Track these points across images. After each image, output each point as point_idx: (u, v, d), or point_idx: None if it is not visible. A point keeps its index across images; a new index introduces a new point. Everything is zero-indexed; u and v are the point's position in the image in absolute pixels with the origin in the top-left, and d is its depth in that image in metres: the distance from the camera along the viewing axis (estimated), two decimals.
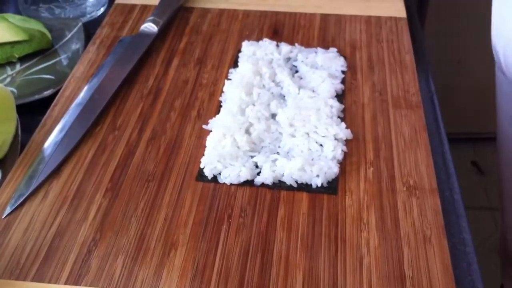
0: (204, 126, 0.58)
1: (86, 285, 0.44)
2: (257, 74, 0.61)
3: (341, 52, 0.67)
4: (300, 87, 0.60)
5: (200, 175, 0.53)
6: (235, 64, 0.65)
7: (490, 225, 1.46)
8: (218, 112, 0.59)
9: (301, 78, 0.62)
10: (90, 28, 0.73)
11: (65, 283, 0.45)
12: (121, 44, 0.68)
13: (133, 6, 0.75)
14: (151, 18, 0.70)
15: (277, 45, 0.66)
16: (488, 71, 1.47)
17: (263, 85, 0.61)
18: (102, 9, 0.78)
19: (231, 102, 0.59)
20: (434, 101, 0.63)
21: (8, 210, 0.50)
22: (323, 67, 0.64)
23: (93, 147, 0.56)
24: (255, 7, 0.74)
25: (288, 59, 0.65)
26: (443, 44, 1.43)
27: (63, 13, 0.77)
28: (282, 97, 0.60)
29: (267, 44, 0.66)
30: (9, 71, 0.67)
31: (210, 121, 0.58)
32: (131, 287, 0.44)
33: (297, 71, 0.64)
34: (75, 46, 0.70)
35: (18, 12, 0.76)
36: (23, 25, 0.69)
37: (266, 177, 0.52)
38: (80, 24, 0.73)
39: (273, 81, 0.61)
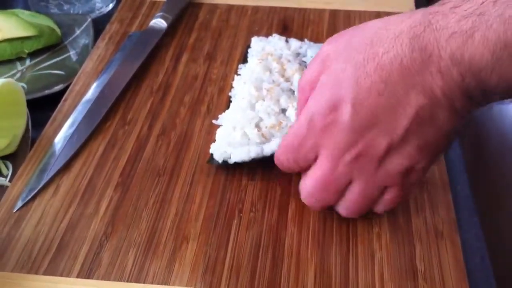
0: (214, 121, 0.58)
1: (97, 279, 0.45)
2: (267, 70, 0.61)
3: None
4: None
5: (211, 159, 0.53)
6: (244, 60, 0.65)
7: None
8: (227, 107, 0.59)
9: None
10: (99, 24, 0.73)
11: (77, 277, 0.45)
12: (130, 40, 0.68)
13: (142, 2, 0.75)
14: (160, 13, 0.70)
15: (286, 41, 0.66)
16: None
17: (273, 81, 0.60)
18: (111, 5, 0.78)
19: (241, 97, 0.58)
20: None
21: (19, 204, 0.50)
22: None
23: (103, 142, 0.56)
24: (264, 3, 0.74)
25: (298, 55, 0.65)
26: None
27: (72, 9, 0.77)
28: (292, 92, 0.60)
29: (276, 40, 0.66)
30: (19, 66, 0.67)
31: (219, 116, 0.58)
32: (142, 281, 0.44)
33: (306, 67, 0.63)
34: (84, 41, 0.70)
35: (27, 7, 0.76)
36: (33, 21, 0.69)
37: (276, 144, 0.51)
38: (89, 20, 0.73)
39: (283, 76, 0.61)
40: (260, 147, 0.52)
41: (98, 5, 0.77)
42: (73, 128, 0.57)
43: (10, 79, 0.56)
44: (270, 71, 0.61)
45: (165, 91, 0.62)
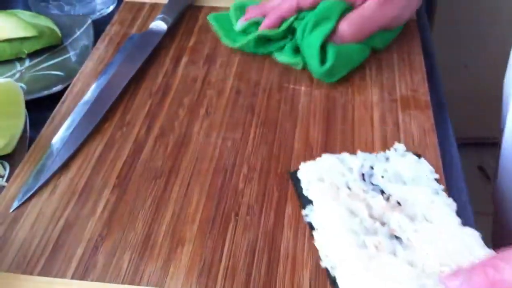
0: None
1: (92, 280, 0.44)
2: (351, 213, 0.47)
3: None
4: (410, 220, 0.46)
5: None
6: (304, 201, 0.49)
7: None
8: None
9: (399, 204, 0.48)
10: (100, 26, 0.73)
11: (72, 278, 0.45)
12: (130, 42, 0.68)
13: (143, 4, 0.75)
14: (160, 16, 0.70)
15: (337, 158, 0.52)
16: (496, 75, 1.47)
17: (365, 228, 0.45)
18: (111, 7, 0.78)
19: (347, 268, 0.44)
20: (442, 103, 0.63)
21: (15, 204, 0.50)
22: (411, 179, 0.50)
23: (101, 143, 0.56)
24: None
25: (362, 175, 0.51)
26: (450, 48, 1.43)
27: (72, 10, 0.77)
28: (398, 240, 0.45)
29: (328, 161, 0.52)
30: (18, 66, 0.67)
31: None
32: (137, 282, 0.44)
33: (382, 192, 0.49)
34: (84, 43, 0.70)
35: (27, 8, 0.76)
36: (33, 21, 0.69)
37: None
38: (89, 21, 0.73)
39: (371, 216, 0.47)
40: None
41: (98, 6, 0.77)
42: (71, 129, 0.57)
43: (9, 79, 0.56)
44: (352, 212, 0.47)
45: (164, 93, 0.62)
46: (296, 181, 0.51)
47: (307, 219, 0.48)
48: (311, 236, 0.47)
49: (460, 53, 1.50)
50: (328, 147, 0.55)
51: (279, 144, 0.56)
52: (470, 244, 0.44)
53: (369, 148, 0.55)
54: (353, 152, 0.54)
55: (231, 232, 0.48)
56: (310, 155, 0.54)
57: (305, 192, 0.50)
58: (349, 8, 0.62)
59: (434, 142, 0.55)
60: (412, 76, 0.63)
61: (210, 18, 0.70)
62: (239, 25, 0.66)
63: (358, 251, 0.43)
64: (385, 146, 0.55)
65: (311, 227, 0.47)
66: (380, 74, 0.64)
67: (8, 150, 0.56)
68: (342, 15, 0.61)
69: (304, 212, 0.49)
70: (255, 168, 0.53)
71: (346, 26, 0.60)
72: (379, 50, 0.65)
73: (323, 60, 0.60)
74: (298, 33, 0.62)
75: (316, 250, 0.46)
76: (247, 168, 0.53)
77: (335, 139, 0.56)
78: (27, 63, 0.68)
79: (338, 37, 0.61)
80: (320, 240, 0.46)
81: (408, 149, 0.54)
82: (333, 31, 0.61)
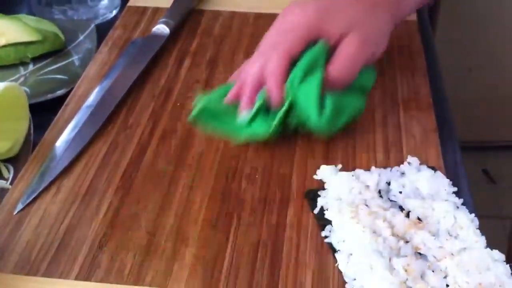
0: None
1: (96, 281, 0.45)
2: (373, 235, 0.45)
3: None
4: (434, 236, 0.46)
5: None
6: (322, 222, 0.48)
7: (500, 233, 1.45)
8: None
9: (420, 220, 0.47)
10: (103, 30, 0.73)
11: (75, 279, 0.45)
12: (133, 46, 0.68)
13: (145, 9, 0.76)
14: (163, 20, 0.71)
15: (353, 175, 0.51)
16: (499, 78, 1.47)
17: (390, 247, 0.45)
18: (114, 11, 0.78)
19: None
20: (445, 105, 0.63)
21: (19, 206, 0.51)
22: (429, 194, 0.50)
23: (104, 145, 0.56)
24: (266, 10, 0.75)
25: (379, 192, 0.50)
26: (454, 51, 1.43)
27: (76, 15, 0.78)
28: (423, 258, 0.45)
29: (346, 180, 0.51)
30: (22, 71, 0.68)
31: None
32: (141, 283, 0.44)
33: (401, 208, 0.49)
34: (87, 47, 0.71)
35: (31, 13, 0.77)
36: (37, 26, 0.70)
37: None
38: (93, 25, 0.73)
39: (393, 235, 0.46)
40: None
41: (102, 11, 0.78)
42: (75, 132, 0.57)
43: (13, 83, 0.57)
44: (375, 231, 0.46)
45: (166, 96, 0.62)
46: (313, 201, 0.50)
47: (327, 240, 0.47)
48: (334, 259, 0.46)
49: (464, 56, 1.50)
50: (330, 147, 0.56)
51: (280, 146, 0.56)
52: (500, 274, 0.43)
53: (371, 149, 0.55)
54: (354, 152, 0.54)
55: (233, 233, 0.48)
56: (312, 156, 0.55)
57: (320, 209, 0.49)
58: (329, 50, 0.54)
59: (436, 143, 0.56)
60: (414, 77, 0.64)
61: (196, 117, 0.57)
62: (244, 115, 0.55)
63: (387, 275, 0.42)
64: (387, 147, 0.55)
65: (332, 249, 0.46)
66: (382, 75, 0.64)
67: (12, 153, 0.56)
68: (327, 60, 0.54)
69: (323, 233, 0.47)
70: (257, 168, 0.54)
71: (335, 71, 0.54)
72: (367, 90, 0.58)
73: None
74: (288, 87, 0.53)
75: (319, 251, 0.46)
76: (250, 168, 0.54)
77: (337, 141, 0.56)
78: (31, 67, 0.68)
79: (329, 83, 0.54)
80: (344, 262, 0.45)
81: (410, 151, 0.54)
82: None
